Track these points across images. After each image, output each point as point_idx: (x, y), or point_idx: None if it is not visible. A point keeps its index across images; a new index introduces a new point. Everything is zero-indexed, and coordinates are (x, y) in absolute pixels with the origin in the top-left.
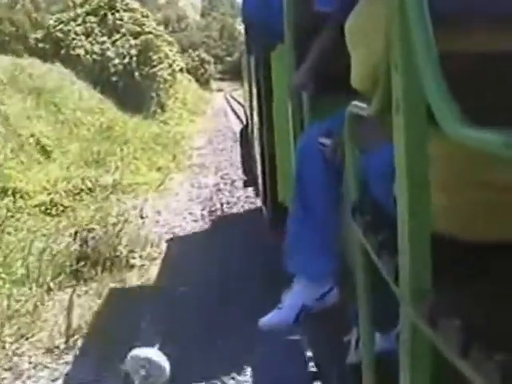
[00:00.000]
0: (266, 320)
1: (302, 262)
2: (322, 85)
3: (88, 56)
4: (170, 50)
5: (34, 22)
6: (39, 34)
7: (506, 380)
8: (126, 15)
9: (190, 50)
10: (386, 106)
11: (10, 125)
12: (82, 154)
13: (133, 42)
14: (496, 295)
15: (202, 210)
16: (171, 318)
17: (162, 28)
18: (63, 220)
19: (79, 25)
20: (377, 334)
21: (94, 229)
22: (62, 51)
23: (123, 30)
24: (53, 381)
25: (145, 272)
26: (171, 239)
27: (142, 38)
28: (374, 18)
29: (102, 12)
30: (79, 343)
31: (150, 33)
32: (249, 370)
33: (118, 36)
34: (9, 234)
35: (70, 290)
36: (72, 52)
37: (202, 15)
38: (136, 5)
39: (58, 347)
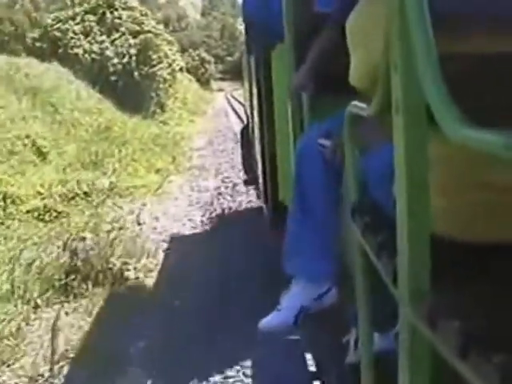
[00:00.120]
0: (266, 322)
1: (301, 263)
2: (321, 85)
3: (86, 55)
4: (170, 50)
5: (33, 22)
6: (36, 33)
7: (504, 382)
8: (124, 14)
9: (191, 50)
10: (385, 107)
11: (3, 126)
12: (79, 155)
13: (132, 41)
14: (495, 297)
15: (202, 215)
16: (166, 339)
17: (161, 27)
18: (56, 227)
19: (77, 24)
20: (376, 334)
21: (85, 238)
22: (60, 50)
23: (122, 29)
24: None
25: (140, 286)
26: (171, 239)
27: (142, 37)
28: (374, 18)
29: (101, 11)
30: (65, 370)
31: (149, 32)
32: (248, 371)
33: (116, 35)
34: None
35: (58, 307)
36: (70, 51)
37: (203, 14)
38: (135, 3)
39: (42, 375)
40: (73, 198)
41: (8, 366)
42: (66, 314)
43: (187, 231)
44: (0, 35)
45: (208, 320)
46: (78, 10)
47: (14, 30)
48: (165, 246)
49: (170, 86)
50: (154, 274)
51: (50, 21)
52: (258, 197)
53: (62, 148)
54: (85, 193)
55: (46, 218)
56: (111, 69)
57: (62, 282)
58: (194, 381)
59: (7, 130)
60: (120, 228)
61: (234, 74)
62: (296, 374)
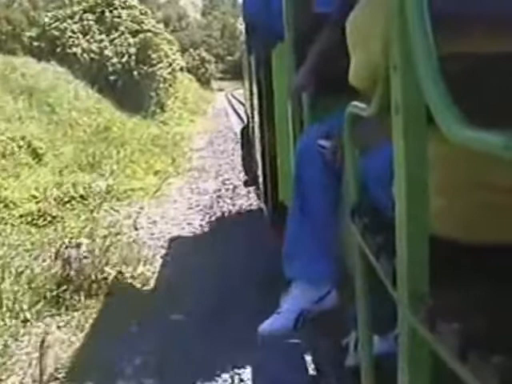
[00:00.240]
0: (266, 326)
1: (300, 265)
2: (321, 85)
3: (85, 55)
4: (170, 49)
5: (31, 21)
6: (34, 33)
7: (504, 383)
8: (124, 13)
9: (191, 49)
10: (385, 107)
11: None
12: (76, 156)
13: (131, 40)
14: (495, 298)
15: (202, 219)
16: (164, 356)
17: (161, 26)
18: (50, 232)
19: (76, 22)
20: (375, 337)
21: (79, 246)
22: (58, 50)
23: (121, 28)
24: None
25: (136, 296)
26: (169, 244)
27: (141, 36)
28: (374, 19)
29: (100, 9)
30: None
31: (149, 31)
32: (249, 375)
33: (116, 34)
34: None
35: (49, 321)
36: (68, 50)
37: (203, 14)
38: (134, 2)
39: None
40: (68, 201)
41: None
42: (58, 327)
43: (186, 236)
44: None
45: (208, 333)
46: (76, 8)
47: (11, 30)
48: (163, 252)
49: (169, 85)
50: (151, 283)
51: (47, 20)
52: (259, 197)
53: (59, 149)
54: (81, 196)
55: (40, 222)
56: (110, 68)
57: (54, 293)
58: None
59: (2, 131)
60: (116, 233)
61: (234, 73)
62: (296, 377)
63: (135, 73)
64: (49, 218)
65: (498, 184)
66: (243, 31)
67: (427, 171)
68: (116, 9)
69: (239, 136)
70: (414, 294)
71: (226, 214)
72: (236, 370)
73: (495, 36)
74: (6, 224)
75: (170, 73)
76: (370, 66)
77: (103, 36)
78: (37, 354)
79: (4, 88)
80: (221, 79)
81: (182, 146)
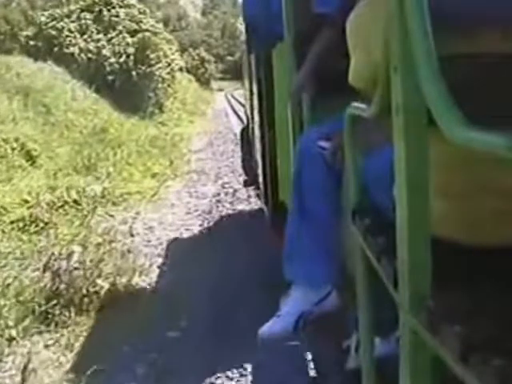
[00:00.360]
0: (265, 328)
1: (300, 267)
2: (321, 86)
3: (82, 54)
4: (169, 49)
5: (29, 20)
6: (30, 32)
7: None
8: (122, 12)
9: (191, 49)
10: (385, 108)
11: None
12: (71, 159)
13: (130, 39)
14: (496, 301)
15: (201, 225)
16: (161, 380)
17: (160, 25)
18: (42, 239)
19: (73, 22)
20: (376, 339)
21: (71, 254)
22: (55, 49)
23: (120, 28)
24: None
25: (130, 311)
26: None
27: (140, 35)
28: (374, 19)
29: (98, 8)
30: None
31: (147, 30)
32: (249, 378)
33: (114, 33)
34: None
35: (36, 339)
36: (66, 50)
37: (203, 14)
38: (133, 1)
39: None
40: (61, 206)
41: None
42: (46, 346)
43: (184, 242)
44: None
45: (206, 355)
46: (73, 7)
47: (9, 29)
48: (159, 261)
49: (168, 85)
50: (147, 296)
51: (44, 19)
52: (259, 198)
53: (54, 151)
54: (74, 201)
55: (32, 229)
56: (108, 68)
57: (42, 308)
58: None
59: None
60: (110, 241)
61: (234, 73)
62: (296, 379)
63: (133, 73)
64: (41, 224)
65: (501, 186)
66: (243, 31)
67: (428, 172)
68: (114, 8)
69: (239, 137)
70: (415, 296)
71: (226, 219)
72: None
73: (497, 37)
74: None
75: (168, 73)
76: (370, 66)
77: (101, 35)
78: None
79: None
80: (221, 79)
81: (180, 147)
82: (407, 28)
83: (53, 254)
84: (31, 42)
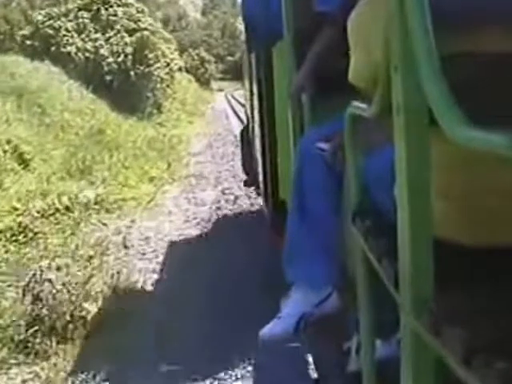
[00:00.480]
0: (267, 330)
1: (301, 269)
2: (321, 85)
3: (80, 54)
4: (168, 48)
5: (29, 20)
6: (27, 31)
7: None
8: (120, 10)
9: (191, 49)
10: (386, 108)
11: None
12: (65, 162)
13: (128, 39)
14: (499, 303)
15: (199, 234)
16: None
17: (159, 24)
18: (31, 250)
19: (70, 21)
20: (378, 341)
21: (59, 269)
22: (52, 49)
23: (118, 27)
24: None
25: (120, 338)
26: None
27: (138, 34)
28: (375, 18)
29: (95, 7)
30: None
31: (145, 29)
32: (250, 380)
33: (112, 33)
34: None
35: (15, 372)
36: (63, 49)
37: (203, 13)
38: (131, 0)
39: None
40: (53, 214)
41: None
42: (24, 382)
43: (181, 254)
44: None
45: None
46: (71, 6)
47: (9, 29)
48: (154, 277)
49: (167, 86)
50: (139, 320)
51: (41, 17)
52: (259, 194)
53: (48, 153)
54: (66, 207)
55: (21, 239)
56: (106, 68)
57: (21, 336)
58: None
59: None
60: (102, 253)
61: (234, 73)
62: (297, 382)
63: (131, 73)
64: (30, 234)
65: (502, 186)
66: (243, 31)
67: (430, 172)
68: (112, 6)
69: (239, 137)
70: (417, 298)
71: (226, 227)
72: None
73: (498, 35)
74: None
75: (167, 73)
76: (370, 65)
77: (99, 35)
78: None
79: None
80: (221, 79)
81: (179, 149)
82: (408, 27)
83: (34, 275)
84: (28, 42)
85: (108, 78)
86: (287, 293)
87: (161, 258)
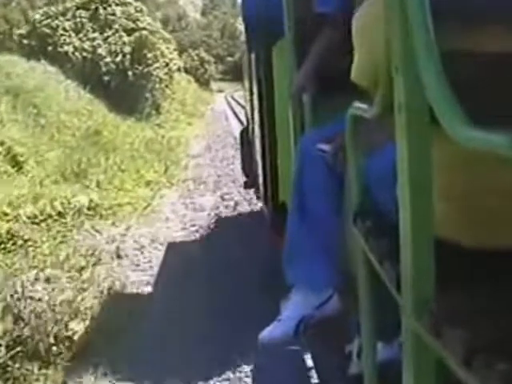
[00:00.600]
0: (266, 333)
1: (301, 271)
2: (322, 85)
3: (77, 53)
4: (167, 48)
5: (28, 20)
6: (24, 30)
7: None
8: (118, 10)
9: (190, 50)
10: (387, 108)
11: None
12: (60, 164)
13: (126, 38)
14: (499, 303)
15: (198, 242)
16: None
17: (158, 24)
18: (19, 260)
19: (68, 20)
20: (379, 344)
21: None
22: (50, 48)
23: (116, 26)
24: None
25: (107, 365)
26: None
27: (136, 34)
28: (378, 19)
29: (93, 6)
30: None
31: (144, 29)
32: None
33: (110, 32)
34: None
35: None
36: (60, 49)
37: (203, 14)
38: None
39: None
40: (44, 220)
41: None
42: None
43: (177, 264)
44: None
45: None
46: (68, 5)
47: (8, 29)
48: (148, 290)
49: (166, 86)
50: (129, 341)
51: (38, 16)
52: (258, 197)
53: (43, 156)
54: (59, 213)
55: (9, 246)
56: (104, 68)
57: (1, 360)
58: None
59: None
60: (94, 264)
61: (234, 74)
62: None
63: (130, 73)
64: (19, 242)
65: (503, 186)
66: (243, 31)
67: (431, 172)
68: (110, 6)
69: (239, 138)
70: (418, 300)
71: (226, 235)
72: None
73: (499, 35)
74: None
75: (166, 73)
76: (372, 65)
77: (96, 34)
78: None
79: None
80: (220, 80)
81: (177, 151)
82: (408, 27)
83: (16, 291)
84: (25, 41)
85: (106, 78)
86: (287, 295)
87: (156, 270)
